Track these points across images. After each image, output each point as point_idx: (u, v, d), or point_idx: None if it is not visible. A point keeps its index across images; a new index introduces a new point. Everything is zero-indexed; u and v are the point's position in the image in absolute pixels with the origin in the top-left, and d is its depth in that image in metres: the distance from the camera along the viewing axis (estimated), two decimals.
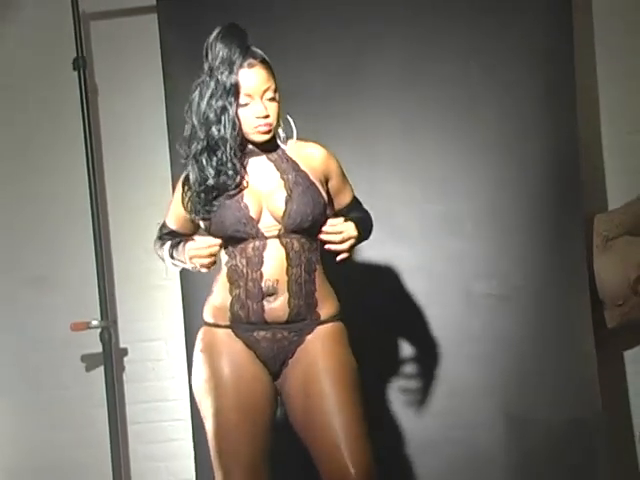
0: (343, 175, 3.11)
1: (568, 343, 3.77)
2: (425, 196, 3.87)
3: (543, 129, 3.83)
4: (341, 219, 2.97)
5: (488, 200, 3.85)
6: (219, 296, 3.00)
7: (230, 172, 2.90)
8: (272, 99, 2.92)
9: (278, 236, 2.93)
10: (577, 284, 3.80)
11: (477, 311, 3.81)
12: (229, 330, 2.97)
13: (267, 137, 2.94)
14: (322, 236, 2.94)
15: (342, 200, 3.11)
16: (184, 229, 3.13)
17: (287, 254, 2.93)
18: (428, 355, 3.77)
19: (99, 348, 4.25)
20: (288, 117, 3.00)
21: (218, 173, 2.90)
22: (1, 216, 4.46)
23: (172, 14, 4.00)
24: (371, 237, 3.13)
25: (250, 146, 2.96)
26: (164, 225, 3.18)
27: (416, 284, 3.84)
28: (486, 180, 3.85)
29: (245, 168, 2.95)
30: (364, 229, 3.06)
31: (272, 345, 2.97)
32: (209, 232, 2.97)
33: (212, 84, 2.87)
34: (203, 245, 2.93)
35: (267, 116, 2.91)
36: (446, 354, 3.77)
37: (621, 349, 4.19)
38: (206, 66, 2.91)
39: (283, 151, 3.00)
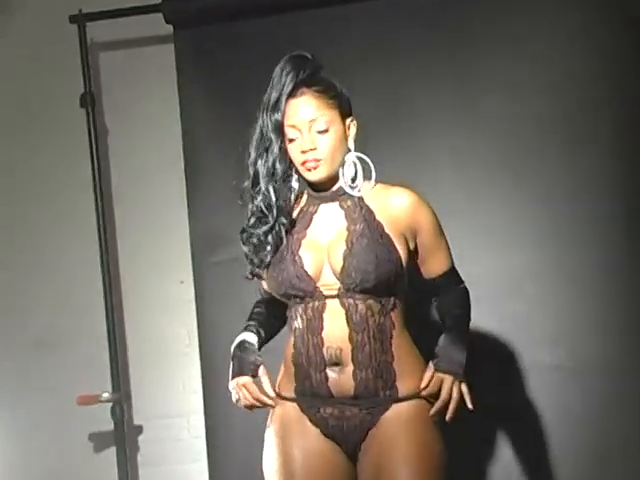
0: (438, 234, 2.78)
1: None
2: (476, 248, 3.68)
3: (613, 178, 3.65)
4: (429, 374, 2.72)
5: (552, 255, 3.67)
6: (286, 362, 2.81)
7: (274, 214, 2.73)
8: (324, 131, 2.69)
9: (338, 295, 2.70)
10: None
11: (540, 383, 3.63)
12: (295, 404, 2.78)
13: (319, 175, 2.70)
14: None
15: (433, 267, 2.78)
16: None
17: (348, 317, 2.69)
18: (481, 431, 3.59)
19: (110, 425, 4.13)
20: (362, 156, 2.74)
21: (263, 214, 2.75)
22: (2, 272, 4.35)
23: (190, 44, 3.92)
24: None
25: (322, 192, 2.75)
26: (260, 288, 2.94)
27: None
28: (550, 233, 3.67)
29: (312, 216, 2.76)
30: (461, 340, 2.75)
31: (340, 423, 2.72)
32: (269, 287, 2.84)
33: (260, 121, 2.73)
34: (253, 394, 2.79)
35: (314, 149, 2.68)
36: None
37: None
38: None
39: (361, 198, 2.74)
